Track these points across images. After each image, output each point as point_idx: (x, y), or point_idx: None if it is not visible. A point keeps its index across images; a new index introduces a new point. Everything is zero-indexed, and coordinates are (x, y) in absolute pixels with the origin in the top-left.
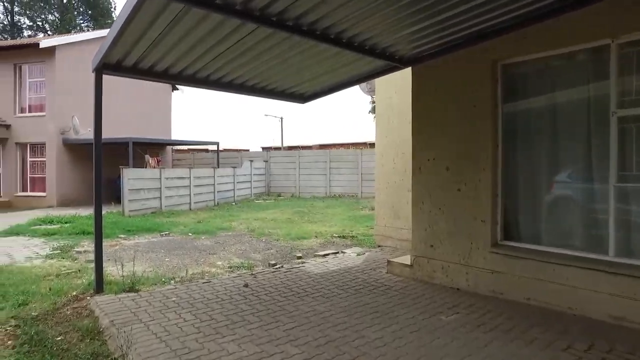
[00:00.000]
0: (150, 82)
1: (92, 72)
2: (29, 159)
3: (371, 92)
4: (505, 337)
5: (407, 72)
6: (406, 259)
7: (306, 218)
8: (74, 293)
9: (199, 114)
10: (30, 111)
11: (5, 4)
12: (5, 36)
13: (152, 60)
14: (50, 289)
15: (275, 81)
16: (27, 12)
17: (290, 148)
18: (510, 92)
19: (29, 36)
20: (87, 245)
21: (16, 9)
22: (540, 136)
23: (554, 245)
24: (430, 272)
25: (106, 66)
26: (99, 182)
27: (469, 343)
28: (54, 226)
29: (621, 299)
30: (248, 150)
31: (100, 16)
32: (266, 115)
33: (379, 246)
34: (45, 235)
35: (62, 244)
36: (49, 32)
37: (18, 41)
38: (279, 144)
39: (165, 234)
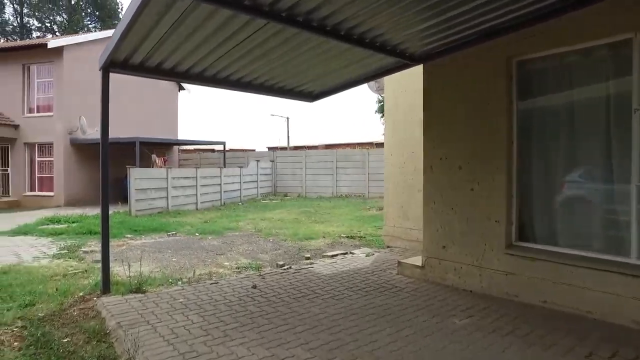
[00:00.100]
0: (157, 82)
1: (99, 70)
2: (37, 159)
3: (380, 90)
4: (522, 342)
5: (417, 69)
6: (417, 260)
7: (313, 218)
8: (81, 294)
9: (206, 114)
10: (38, 111)
11: (15, 5)
12: (15, 37)
13: (159, 58)
14: (57, 290)
15: (283, 79)
16: (36, 13)
17: (296, 148)
18: (526, 89)
19: (38, 37)
20: (94, 245)
21: (25, 10)
22: (557, 134)
23: (572, 246)
24: (442, 273)
25: (113, 64)
26: (106, 182)
27: (486, 348)
28: (61, 226)
29: None
30: (254, 150)
31: (107, 17)
32: (272, 115)
33: (387, 247)
34: (52, 234)
35: (69, 244)
36: (57, 33)
37: (26, 42)
38: (284, 144)
39: (172, 234)
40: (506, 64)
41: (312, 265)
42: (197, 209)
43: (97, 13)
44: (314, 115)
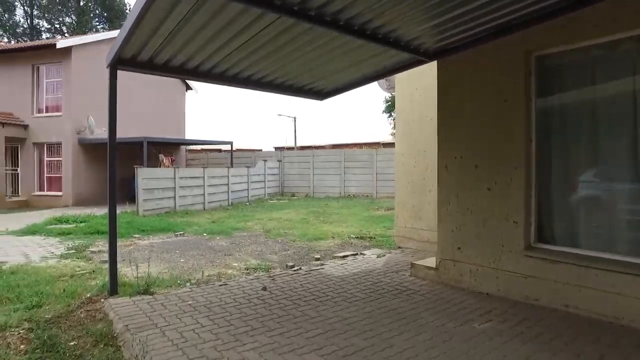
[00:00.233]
0: (165, 82)
1: (107, 67)
2: (45, 159)
3: (390, 89)
4: (547, 349)
5: (429, 67)
6: (431, 262)
7: (322, 218)
8: (88, 295)
9: (213, 114)
10: (47, 111)
11: (25, 8)
12: (25, 39)
13: (167, 54)
14: (64, 291)
15: (293, 77)
16: (46, 15)
17: (303, 148)
18: (545, 85)
19: (47, 38)
20: (102, 245)
21: (35, 12)
22: (579, 132)
23: (596, 249)
24: (457, 275)
25: (121, 61)
26: (113, 181)
27: (508, 355)
28: (69, 225)
29: None
30: (261, 150)
31: (115, 18)
32: (279, 115)
33: (399, 247)
34: (60, 234)
35: (77, 244)
36: (66, 34)
37: (36, 42)
38: (291, 144)
39: (180, 234)
40: (525, 60)
41: (322, 267)
42: (204, 209)
43: (105, 14)
44: (321, 115)
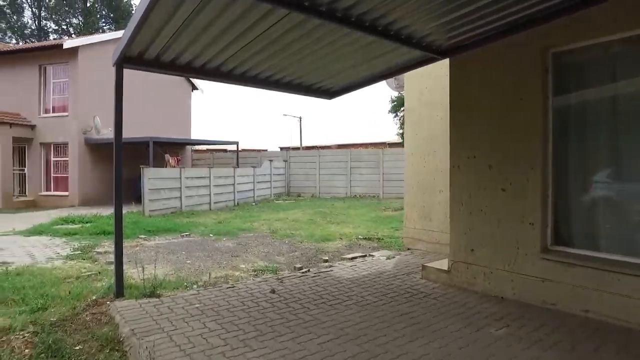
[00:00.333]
0: (171, 82)
1: (113, 65)
2: (52, 159)
3: (399, 88)
4: (570, 358)
5: (438, 66)
6: (442, 264)
7: (328, 219)
8: (94, 297)
9: (218, 114)
10: (54, 112)
11: (33, 9)
12: (33, 40)
13: (174, 52)
14: (69, 293)
15: (301, 75)
16: (53, 16)
17: (308, 148)
18: (563, 82)
19: (54, 39)
20: (108, 245)
21: (43, 13)
22: (598, 130)
23: (617, 252)
24: (470, 278)
25: (127, 59)
26: (119, 183)
27: None
28: (75, 226)
29: None
30: (266, 150)
31: (121, 19)
32: (285, 115)
33: (408, 249)
34: (66, 235)
35: (83, 245)
36: (73, 35)
37: (43, 43)
38: (296, 144)
39: (186, 235)
40: (541, 56)
41: (331, 269)
42: (210, 209)
43: (112, 15)
44: (326, 115)
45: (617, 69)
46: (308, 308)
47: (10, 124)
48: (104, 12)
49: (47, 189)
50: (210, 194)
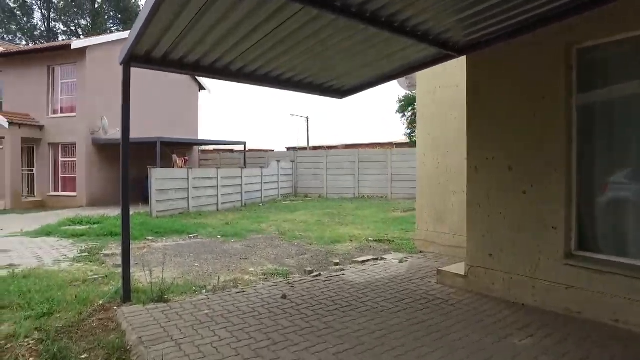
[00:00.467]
0: (178, 83)
1: (120, 64)
2: (60, 159)
3: (411, 87)
4: None
5: (452, 64)
6: (458, 268)
7: (337, 220)
8: (101, 302)
9: (225, 114)
10: (62, 112)
11: (42, 11)
12: (42, 41)
13: (182, 50)
14: (76, 297)
15: (313, 74)
16: (62, 17)
17: (315, 148)
18: (588, 80)
19: (63, 40)
20: (115, 247)
21: (52, 15)
22: (626, 130)
23: None
24: (488, 284)
25: (134, 58)
26: (126, 184)
27: None
28: (83, 227)
29: None
30: (273, 150)
31: (129, 20)
32: (292, 115)
33: (420, 252)
34: (74, 236)
35: (90, 246)
36: (81, 36)
37: (51, 43)
38: (303, 144)
39: (194, 237)
40: (565, 53)
41: (343, 272)
42: (217, 209)
43: (120, 16)
44: (333, 115)
45: None
46: (321, 315)
47: (20, 125)
48: (111, 13)
49: (56, 189)
50: (217, 195)
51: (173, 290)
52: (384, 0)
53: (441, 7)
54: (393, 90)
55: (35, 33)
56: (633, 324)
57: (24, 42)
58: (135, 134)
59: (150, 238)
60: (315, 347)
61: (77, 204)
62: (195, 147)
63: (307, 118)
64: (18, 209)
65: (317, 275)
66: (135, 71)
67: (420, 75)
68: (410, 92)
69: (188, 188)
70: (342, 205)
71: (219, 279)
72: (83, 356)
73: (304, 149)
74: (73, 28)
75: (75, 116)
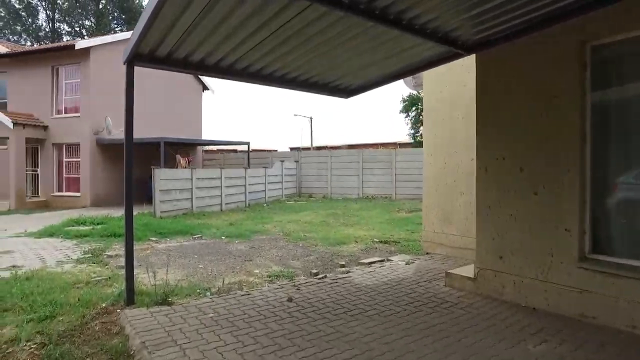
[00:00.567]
0: (182, 83)
1: (123, 63)
2: (64, 160)
3: (417, 86)
4: None
5: (460, 63)
6: (467, 271)
7: (341, 221)
8: (104, 304)
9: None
10: (66, 112)
11: (47, 11)
12: (47, 42)
13: (187, 49)
14: (79, 299)
15: (318, 73)
16: (66, 18)
17: (319, 148)
18: (602, 78)
19: (67, 41)
20: (118, 248)
21: (57, 16)
22: None
23: None
24: (498, 287)
25: (138, 57)
26: (130, 184)
27: None
28: (86, 227)
29: None
30: (276, 150)
31: (133, 20)
32: (295, 115)
33: (427, 253)
34: (77, 237)
35: (94, 247)
36: (85, 37)
37: (55, 44)
38: (306, 144)
39: (198, 237)
40: (579, 50)
41: (349, 275)
42: (221, 210)
43: (123, 16)
44: (336, 115)
45: None
46: (328, 319)
47: (24, 125)
48: (115, 14)
49: (59, 189)
50: (221, 195)
51: (177, 292)
52: None
53: (451, 4)
54: (396, 90)
55: (40, 34)
56: None
57: (28, 43)
58: (139, 134)
59: (153, 239)
60: (323, 352)
61: (81, 204)
62: (199, 148)
63: (311, 118)
64: (22, 209)
65: (323, 278)
66: (138, 71)
67: (427, 75)
68: (416, 92)
69: (192, 188)
70: (347, 206)
71: (223, 281)
72: None
73: (307, 149)
74: (77, 29)
75: (79, 116)
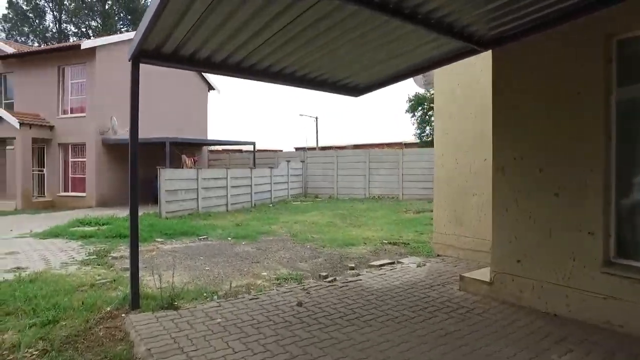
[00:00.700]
0: (187, 82)
1: (128, 60)
2: (70, 160)
3: (427, 85)
4: None
5: (472, 59)
6: (482, 274)
7: (348, 221)
8: (108, 308)
9: (233, 114)
10: (72, 112)
11: (54, 13)
12: (53, 43)
13: (193, 46)
14: (82, 303)
15: (328, 70)
16: (73, 19)
17: (324, 148)
18: (629, 73)
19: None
20: (124, 250)
21: (63, 17)
22: None
23: None
24: (516, 291)
25: (143, 54)
26: (135, 185)
27: None
28: (92, 228)
29: None
30: (281, 150)
31: (139, 21)
32: (301, 115)
33: (438, 255)
34: (82, 237)
35: (99, 248)
36: (91, 38)
37: (61, 44)
38: (312, 144)
39: (204, 238)
40: (604, 44)
41: (359, 278)
42: (227, 210)
43: (129, 17)
44: (342, 115)
45: None
46: (340, 325)
47: (30, 125)
48: (121, 15)
49: (65, 189)
50: (227, 195)
51: (183, 296)
52: None
53: None
54: (402, 90)
55: (47, 35)
56: None
57: (36, 44)
58: (144, 134)
59: (159, 240)
60: None
61: (87, 204)
62: (205, 148)
63: (317, 118)
64: (28, 209)
65: (332, 281)
66: (143, 72)
67: (438, 73)
68: (426, 91)
69: (197, 188)
70: (353, 206)
71: (230, 284)
72: None
73: (313, 149)
74: (84, 29)
75: (85, 116)
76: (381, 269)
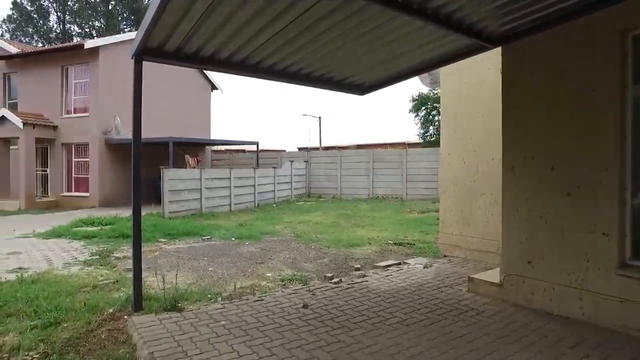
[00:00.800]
0: (191, 82)
1: (131, 58)
2: (73, 160)
3: (433, 84)
4: None
5: (480, 58)
6: (492, 276)
7: (353, 222)
8: (110, 310)
9: (236, 114)
10: (75, 112)
11: (58, 13)
12: (57, 43)
13: (197, 43)
14: (85, 304)
15: (333, 69)
16: (77, 19)
17: (327, 148)
18: None
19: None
20: (127, 250)
21: (67, 17)
22: None
23: None
24: (526, 294)
25: (146, 51)
26: (138, 186)
27: None
28: (95, 228)
29: None
30: (284, 150)
31: (141, 20)
32: (304, 115)
33: (444, 256)
34: (85, 237)
35: (102, 249)
36: (95, 38)
37: (65, 44)
38: (315, 144)
39: (207, 239)
40: (619, 40)
41: (365, 279)
42: (230, 210)
43: (133, 17)
44: (345, 115)
45: None
46: (348, 328)
47: (34, 125)
48: (125, 15)
49: (69, 189)
50: (230, 195)
51: (187, 297)
52: None
53: None
54: (406, 90)
55: (51, 35)
56: None
57: (40, 45)
58: (147, 134)
59: (162, 240)
60: None
61: (90, 204)
62: (208, 147)
63: (320, 118)
64: (32, 209)
65: (338, 282)
66: (146, 71)
67: (445, 71)
68: (430, 90)
69: (201, 188)
70: (357, 206)
71: (235, 285)
72: None
73: (316, 149)
74: (87, 30)
75: (88, 116)
76: (387, 270)
